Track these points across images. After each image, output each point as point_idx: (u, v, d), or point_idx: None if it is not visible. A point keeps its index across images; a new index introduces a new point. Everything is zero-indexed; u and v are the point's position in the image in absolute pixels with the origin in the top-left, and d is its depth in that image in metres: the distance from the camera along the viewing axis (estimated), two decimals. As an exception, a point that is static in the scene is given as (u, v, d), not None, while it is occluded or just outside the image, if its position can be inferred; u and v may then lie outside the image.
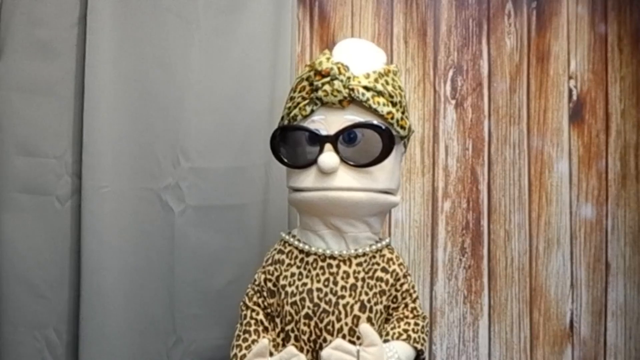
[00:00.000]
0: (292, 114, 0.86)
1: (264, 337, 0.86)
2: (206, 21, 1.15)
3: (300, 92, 0.86)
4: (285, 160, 0.86)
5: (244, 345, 0.86)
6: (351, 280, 0.84)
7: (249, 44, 1.16)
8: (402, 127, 0.85)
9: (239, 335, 0.87)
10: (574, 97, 1.30)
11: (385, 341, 0.83)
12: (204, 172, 1.14)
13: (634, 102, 1.30)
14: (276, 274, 0.88)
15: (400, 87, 0.87)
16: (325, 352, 0.76)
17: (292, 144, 0.86)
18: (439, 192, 1.29)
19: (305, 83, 0.85)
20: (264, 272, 0.90)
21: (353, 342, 0.80)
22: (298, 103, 0.85)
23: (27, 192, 1.10)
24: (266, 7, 1.17)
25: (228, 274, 1.15)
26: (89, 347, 1.07)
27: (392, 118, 0.83)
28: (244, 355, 0.84)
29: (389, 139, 0.82)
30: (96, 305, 1.07)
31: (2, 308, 1.09)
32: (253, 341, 0.85)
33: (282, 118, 0.90)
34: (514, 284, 1.28)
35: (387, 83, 0.84)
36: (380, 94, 0.82)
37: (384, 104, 0.82)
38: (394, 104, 0.83)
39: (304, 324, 0.83)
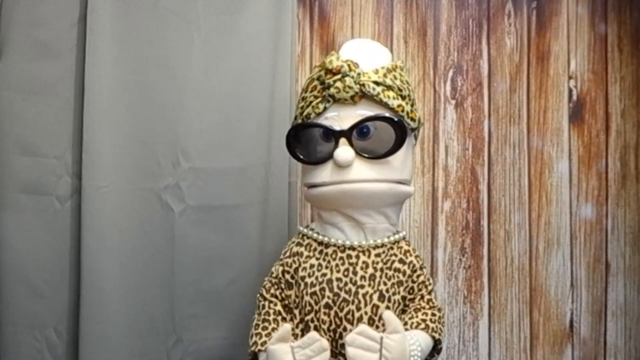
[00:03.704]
0: (305, 113, 0.88)
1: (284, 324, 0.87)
2: (206, 21, 1.15)
3: (311, 91, 0.88)
4: (302, 157, 0.89)
5: (263, 333, 0.87)
6: (370, 270, 0.86)
7: (249, 44, 1.16)
8: (412, 119, 0.88)
9: (257, 325, 0.89)
10: (574, 97, 1.30)
11: (405, 330, 0.84)
12: (204, 172, 1.14)
13: (634, 102, 1.30)
14: (294, 265, 0.90)
15: (407, 82, 0.90)
16: (349, 337, 0.77)
17: (307, 141, 0.89)
18: (439, 192, 1.29)
19: (316, 82, 0.88)
20: (282, 265, 0.91)
21: None
22: (311, 102, 0.88)
23: (27, 192, 1.10)
24: (266, 7, 1.17)
25: (228, 274, 1.15)
26: (89, 347, 1.07)
27: (403, 111, 0.86)
28: (265, 342, 0.85)
29: (402, 130, 0.85)
30: (96, 305, 1.07)
31: (2, 308, 1.09)
32: (273, 329, 0.87)
33: (295, 118, 0.93)
34: (514, 284, 1.28)
35: (395, 78, 0.87)
36: (389, 88, 0.85)
37: (394, 98, 0.85)
38: (403, 97, 0.87)
39: (324, 313, 0.85)
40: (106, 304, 1.08)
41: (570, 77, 1.30)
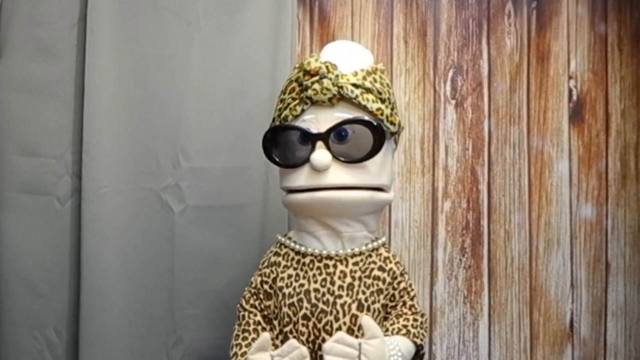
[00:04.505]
0: (282, 115, 0.86)
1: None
2: (206, 21, 1.15)
3: (290, 93, 0.86)
4: (278, 160, 0.87)
5: (243, 343, 0.86)
6: (348, 279, 0.85)
7: (249, 44, 1.16)
8: (392, 123, 0.86)
9: (237, 335, 0.88)
10: (574, 97, 1.30)
11: (385, 336, 0.83)
12: (204, 172, 1.14)
13: (634, 102, 1.30)
14: (272, 276, 0.88)
15: (388, 85, 0.88)
16: (327, 345, 0.77)
17: (284, 144, 0.87)
18: (439, 192, 1.29)
19: (294, 84, 0.86)
20: (260, 275, 0.90)
21: None
22: (288, 104, 0.86)
23: (27, 192, 1.10)
24: (266, 7, 1.17)
25: (228, 274, 1.15)
26: (89, 347, 1.07)
27: (382, 114, 0.84)
28: (245, 353, 0.84)
29: (380, 134, 0.83)
30: (96, 305, 1.07)
31: (2, 308, 1.09)
32: (253, 339, 0.86)
33: (273, 120, 0.91)
34: (514, 284, 1.28)
35: (375, 80, 0.85)
36: (369, 90, 0.83)
37: (373, 101, 0.83)
38: (382, 101, 0.85)
39: (302, 324, 0.84)
40: (106, 304, 1.08)
41: (570, 77, 1.30)
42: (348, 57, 0.86)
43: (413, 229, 1.28)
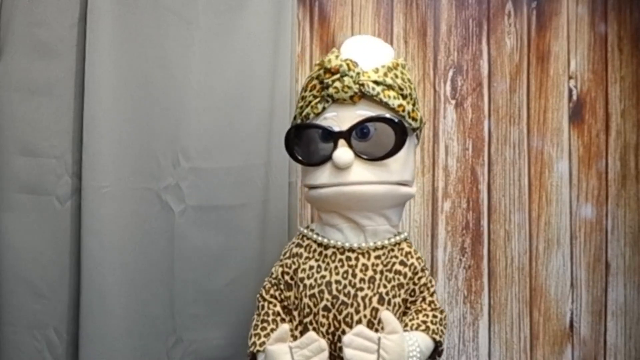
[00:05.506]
0: (304, 113, 0.87)
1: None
2: (206, 21, 1.15)
3: (311, 90, 0.87)
4: (300, 158, 0.88)
5: (262, 333, 0.86)
6: (370, 272, 0.85)
7: (249, 44, 1.16)
8: (414, 119, 0.86)
9: (256, 325, 0.88)
10: (574, 97, 1.30)
11: (404, 332, 0.83)
12: (204, 172, 1.15)
13: (634, 102, 1.30)
14: (294, 267, 0.89)
15: (409, 80, 0.88)
16: (347, 338, 0.77)
17: (306, 142, 0.87)
18: (439, 192, 1.29)
19: (315, 82, 0.87)
20: (282, 266, 0.91)
21: None
22: (310, 101, 0.87)
23: (27, 192, 1.10)
24: (266, 7, 1.17)
25: (228, 274, 1.15)
26: (89, 347, 1.07)
27: (404, 110, 0.84)
28: (263, 343, 0.84)
29: (402, 131, 0.83)
30: (96, 305, 1.07)
31: (2, 308, 1.09)
32: (272, 330, 0.86)
33: (295, 117, 0.92)
34: (514, 284, 1.28)
35: (396, 76, 0.85)
36: (390, 87, 0.84)
37: (394, 97, 0.84)
38: (404, 97, 0.85)
39: (323, 316, 0.84)
40: (106, 304, 1.08)
41: (570, 77, 1.30)
42: (369, 53, 0.86)
43: (413, 229, 1.28)
